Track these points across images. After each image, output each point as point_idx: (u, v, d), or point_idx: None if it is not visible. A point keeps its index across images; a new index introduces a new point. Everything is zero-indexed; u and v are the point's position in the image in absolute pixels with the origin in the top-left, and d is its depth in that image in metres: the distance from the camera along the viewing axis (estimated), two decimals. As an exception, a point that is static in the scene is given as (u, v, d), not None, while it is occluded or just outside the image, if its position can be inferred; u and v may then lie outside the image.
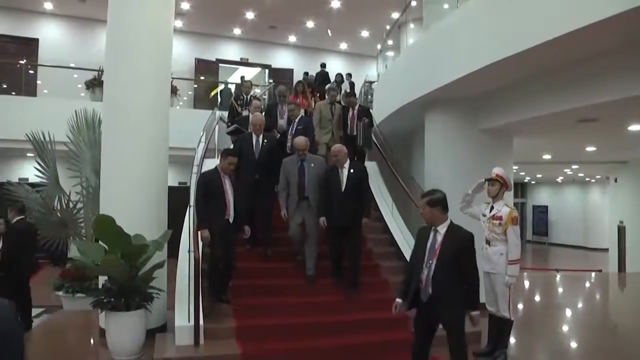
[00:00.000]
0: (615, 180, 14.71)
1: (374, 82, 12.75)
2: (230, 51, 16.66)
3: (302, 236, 5.65)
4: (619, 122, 7.11)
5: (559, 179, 21.96)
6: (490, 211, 4.78)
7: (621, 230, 14.40)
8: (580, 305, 8.48)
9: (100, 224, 4.57)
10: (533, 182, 24.87)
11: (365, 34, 15.80)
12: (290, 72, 16.70)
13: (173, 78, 7.46)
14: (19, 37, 13.78)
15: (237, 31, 15.89)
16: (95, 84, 11.25)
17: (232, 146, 7.30)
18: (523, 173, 18.99)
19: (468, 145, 7.33)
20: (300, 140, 5.71)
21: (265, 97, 13.26)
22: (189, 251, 4.98)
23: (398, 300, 3.64)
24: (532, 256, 20.14)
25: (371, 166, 8.07)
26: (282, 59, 17.26)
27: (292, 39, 16.65)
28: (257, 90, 9.32)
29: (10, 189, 7.77)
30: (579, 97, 5.57)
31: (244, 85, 8.44)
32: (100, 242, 4.79)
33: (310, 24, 15.02)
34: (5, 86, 12.19)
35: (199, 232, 4.90)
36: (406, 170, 8.79)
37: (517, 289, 7.17)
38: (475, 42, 6.01)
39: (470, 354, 4.76)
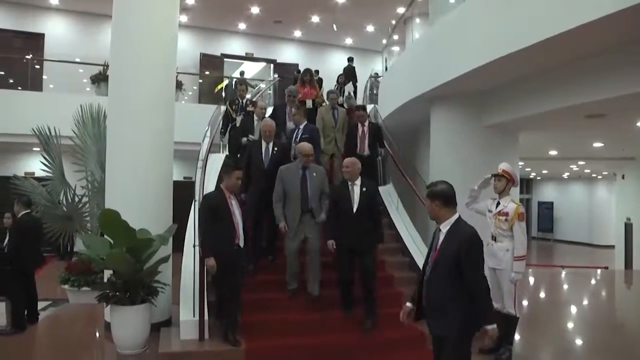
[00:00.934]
0: (623, 177, 14.61)
1: (380, 76, 12.70)
2: (235, 46, 16.63)
3: (299, 255, 5.09)
4: (627, 117, 7.05)
5: (565, 175, 21.85)
6: (497, 207, 4.75)
7: (628, 228, 14.32)
8: (586, 302, 8.43)
9: (106, 218, 4.58)
10: (538, 178, 24.76)
11: (370, 28, 15.73)
12: (295, 67, 16.64)
13: (178, 73, 7.45)
14: (25, 32, 13.80)
15: (242, 26, 15.85)
16: (100, 79, 11.31)
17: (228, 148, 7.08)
18: (529, 169, 18.91)
19: (474, 141, 7.29)
20: (306, 145, 5.15)
21: (271, 91, 13.24)
22: (194, 246, 4.99)
23: (408, 304, 3.13)
24: (537, 253, 20.07)
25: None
26: (287, 53, 17.22)
27: (297, 33, 16.60)
28: (249, 96, 8.43)
29: (16, 183, 7.81)
30: (587, 93, 5.50)
31: (239, 89, 7.54)
32: (105, 236, 4.81)
33: (315, 19, 14.96)
34: (11, 81, 12.25)
35: (205, 260, 4.45)
36: (411, 166, 8.76)
37: (522, 285, 7.13)
38: (481, 36, 5.96)
39: (476, 350, 4.78)
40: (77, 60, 12.95)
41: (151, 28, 5.30)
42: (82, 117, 8.06)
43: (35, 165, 9.39)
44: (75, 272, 7.26)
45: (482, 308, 2.84)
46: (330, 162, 6.90)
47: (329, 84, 12.77)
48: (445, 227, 2.97)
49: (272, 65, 17.16)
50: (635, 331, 6.44)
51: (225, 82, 14.72)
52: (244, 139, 6.51)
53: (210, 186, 5.92)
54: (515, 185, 4.90)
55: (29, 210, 6.11)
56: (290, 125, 6.56)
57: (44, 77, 12.68)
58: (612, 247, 16.17)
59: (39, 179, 8.26)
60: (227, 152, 7.59)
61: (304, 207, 4.99)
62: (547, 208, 24.52)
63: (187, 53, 14.61)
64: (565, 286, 10.22)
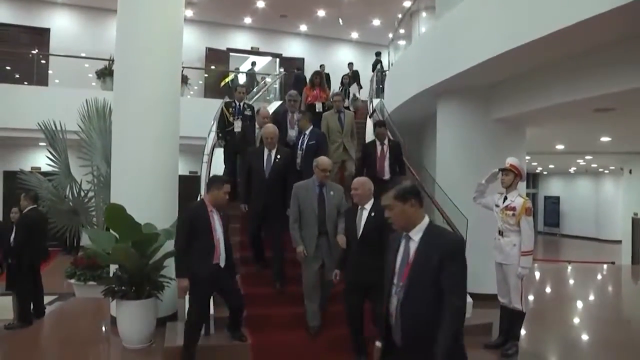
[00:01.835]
0: (630, 172, 14.52)
1: (386, 70, 12.64)
2: (241, 40, 16.62)
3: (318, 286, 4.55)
4: (637, 111, 6.96)
5: (572, 170, 21.72)
6: (504, 201, 4.72)
7: (635, 223, 14.24)
8: (592, 297, 8.39)
9: (111, 212, 4.57)
10: (545, 173, 24.63)
11: (376, 22, 15.66)
12: (301, 61, 16.61)
13: (184, 67, 7.39)
14: (31, 27, 13.87)
15: (247, 20, 15.83)
16: (105, 74, 11.33)
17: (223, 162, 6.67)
18: (535, 163, 18.82)
19: (480, 135, 7.24)
20: (326, 160, 4.60)
21: (277, 85, 13.20)
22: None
23: (377, 344, 2.45)
24: (544, 247, 19.99)
25: None
26: (293, 48, 17.18)
27: (303, 27, 16.55)
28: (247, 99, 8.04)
29: (23, 177, 7.86)
30: (597, 86, 5.42)
31: (238, 90, 6.99)
32: (111, 231, 4.81)
33: (321, 13, 14.91)
34: (17, 76, 12.32)
35: (178, 280, 4.09)
36: (418, 160, 8.72)
37: (529, 280, 7.09)
38: (488, 30, 5.89)
39: (481, 346, 4.76)
40: (83, 55, 12.99)
41: (157, 23, 5.28)
42: (88, 112, 8.09)
43: (42, 160, 9.42)
44: (81, 266, 7.30)
45: (447, 330, 2.11)
46: (341, 171, 6.52)
47: (335, 79, 12.73)
48: (417, 235, 2.30)
49: (277, 60, 17.13)
50: (643, 327, 6.40)
51: (231, 76, 14.70)
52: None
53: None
54: (522, 180, 4.87)
55: (35, 205, 6.14)
56: (291, 133, 6.23)
57: (50, 72, 12.72)
58: (619, 242, 16.07)
59: (45, 174, 8.28)
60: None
61: (322, 228, 4.49)
62: (553, 203, 24.40)
63: (193, 47, 14.61)
64: (572, 281, 10.18)
